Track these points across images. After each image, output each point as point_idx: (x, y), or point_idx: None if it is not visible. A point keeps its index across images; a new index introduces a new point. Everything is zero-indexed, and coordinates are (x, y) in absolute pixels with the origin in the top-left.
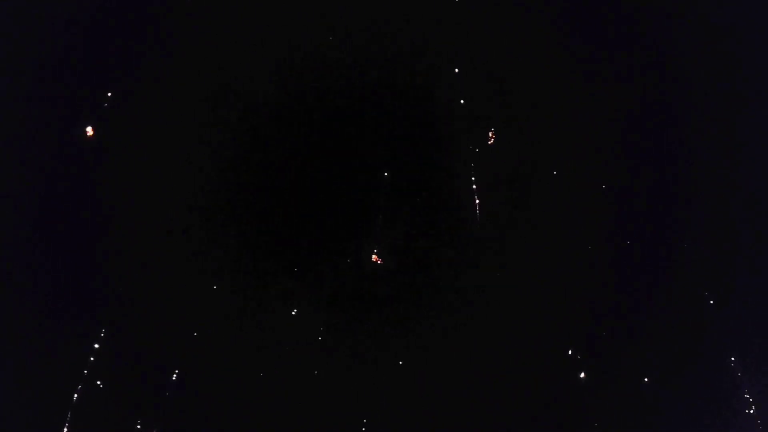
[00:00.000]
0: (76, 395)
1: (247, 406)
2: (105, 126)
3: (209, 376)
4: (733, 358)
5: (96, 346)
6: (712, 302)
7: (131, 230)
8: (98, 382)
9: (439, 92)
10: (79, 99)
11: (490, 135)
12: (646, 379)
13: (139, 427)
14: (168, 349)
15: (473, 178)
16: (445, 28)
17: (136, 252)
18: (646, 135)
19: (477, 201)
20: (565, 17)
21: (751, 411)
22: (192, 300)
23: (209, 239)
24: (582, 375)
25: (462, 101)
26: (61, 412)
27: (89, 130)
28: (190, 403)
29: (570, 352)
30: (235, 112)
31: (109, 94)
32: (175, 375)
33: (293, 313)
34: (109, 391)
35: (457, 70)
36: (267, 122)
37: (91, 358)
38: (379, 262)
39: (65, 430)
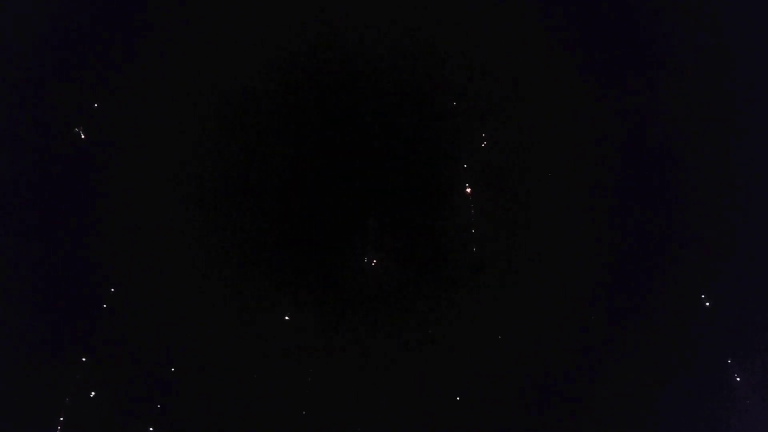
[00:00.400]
0: (68, 398)
1: (241, 409)
2: (99, 127)
3: (203, 378)
4: (730, 360)
5: (89, 347)
6: (708, 304)
7: (124, 233)
8: (92, 383)
9: (433, 94)
10: (73, 100)
11: (483, 136)
12: (643, 381)
13: None
14: (161, 351)
15: (467, 182)
16: (440, 30)
17: (129, 255)
18: (643, 137)
19: (471, 203)
20: (562, 17)
21: (749, 412)
22: (186, 303)
23: (202, 243)
24: (579, 376)
25: (456, 103)
26: (54, 413)
27: (82, 132)
28: (184, 406)
29: (566, 354)
30: (229, 114)
31: (100, 95)
32: (169, 377)
33: (286, 318)
34: (102, 394)
35: (449, 72)
36: (260, 126)
37: (83, 359)
38: (373, 263)
39: (58, 428)
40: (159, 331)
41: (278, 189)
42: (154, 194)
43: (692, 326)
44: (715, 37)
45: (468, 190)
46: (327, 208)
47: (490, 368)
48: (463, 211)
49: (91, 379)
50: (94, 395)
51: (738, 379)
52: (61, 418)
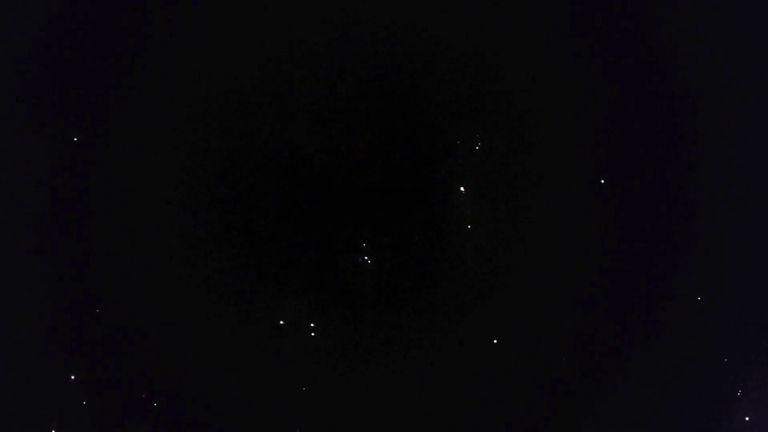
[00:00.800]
0: (61, 399)
1: (238, 411)
2: (95, 128)
3: (201, 380)
4: (726, 359)
5: (84, 348)
6: (706, 304)
7: (118, 235)
8: (90, 385)
9: (428, 95)
10: (71, 100)
11: (478, 137)
12: (641, 381)
13: None
14: (158, 353)
15: (462, 181)
16: (436, 31)
17: (123, 257)
18: (640, 137)
19: (466, 203)
20: (558, 17)
21: (747, 412)
22: (182, 305)
23: (198, 245)
24: (576, 376)
25: (451, 103)
26: (48, 414)
27: (75, 134)
28: (181, 406)
29: (563, 354)
30: (224, 115)
31: (99, 95)
32: (167, 378)
33: (281, 323)
34: (98, 395)
35: (445, 73)
36: (255, 126)
37: (77, 360)
38: (368, 262)
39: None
40: (154, 333)
41: (272, 191)
42: (149, 195)
43: (689, 327)
44: (714, 37)
45: (462, 189)
46: (321, 208)
47: (487, 368)
48: (458, 211)
49: (87, 378)
50: (95, 395)
51: (736, 379)
52: (56, 419)
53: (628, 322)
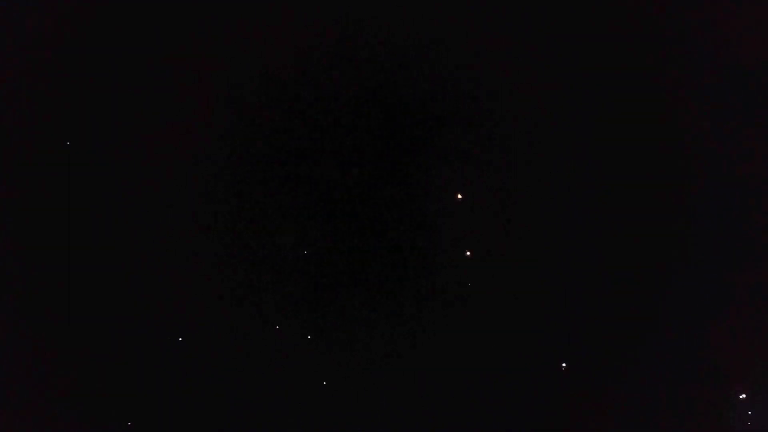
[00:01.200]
0: (59, 398)
1: (236, 412)
2: (93, 128)
3: (199, 381)
4: (727, 364)
5: (83, 348)
6: (707, 305)
7: (113, 236)
8: (86, 386)
9: (426, 99)
10: (72, 100)
11: (475, 142)
12: (641, 382)
13: None
14: (156, 354)
15: (459, 187)
16: (435, 35)
17: (121, 257)
18: (642, 139)
19: (463, 209)
20: (555, 23)
21: (748, 415)
22: (178, 306)
23: (194, 246)
24: (575, 378)
25: (449, 108)
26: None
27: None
28: (180, 407)
29: (562, 355)
30: (223, 117)
31: (98, 96)
32: (166, 379)
33: (276, 327)
34: (96, 395)
35: (443, 77)
36: (254, 128)
37: (75, 360)
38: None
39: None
40: (151, 333)
41: (266, 193)
42: (149, 196)
43: (690, 329)
44: (711, 36)
45: (459, 196)
46: (317, 211)
47: (486, 370)
48: (454, 217)
49: (87, 378)
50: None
51: (736, 380)
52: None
53: (627, 323)
